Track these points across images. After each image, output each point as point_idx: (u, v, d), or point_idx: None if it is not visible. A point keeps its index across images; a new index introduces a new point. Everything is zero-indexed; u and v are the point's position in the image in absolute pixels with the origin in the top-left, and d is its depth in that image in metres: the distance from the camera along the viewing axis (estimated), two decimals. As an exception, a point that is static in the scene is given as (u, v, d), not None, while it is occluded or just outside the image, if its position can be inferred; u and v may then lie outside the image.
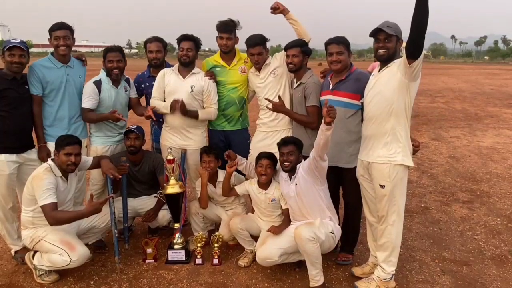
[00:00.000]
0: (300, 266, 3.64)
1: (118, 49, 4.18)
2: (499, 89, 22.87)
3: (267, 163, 3.71)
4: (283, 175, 3.64)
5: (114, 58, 4.05)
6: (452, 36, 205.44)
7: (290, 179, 3.54)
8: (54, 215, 3.26)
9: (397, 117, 3.16)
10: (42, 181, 3.31)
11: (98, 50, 74.66)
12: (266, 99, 3.89)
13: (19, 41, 3.66)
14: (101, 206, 3.33)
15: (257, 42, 3.99)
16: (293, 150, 3.49)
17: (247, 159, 4.12)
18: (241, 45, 4.31)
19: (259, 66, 4.06)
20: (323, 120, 3.07)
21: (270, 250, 3.46)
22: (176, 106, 3.97)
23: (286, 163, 3.49)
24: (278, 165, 3.75)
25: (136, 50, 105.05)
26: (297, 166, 3.51)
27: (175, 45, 4.44)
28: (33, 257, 3.53)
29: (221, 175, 4.06)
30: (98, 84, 4.04)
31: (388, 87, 3.15)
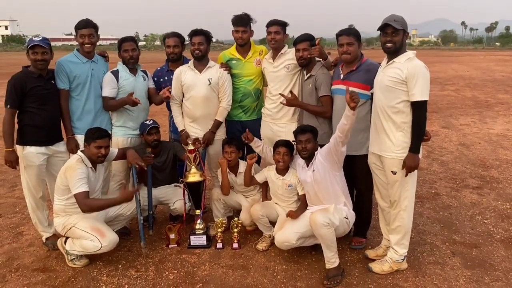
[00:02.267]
0: (316, 249, 3.83)
1: (132, 39, 4.39)
2: (510, 75, 22.68)
3: (284, 151, 3.88)
4: (300, 162, 3.81)
5: (129, 47, 4.24)
6: (463, 23, 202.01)
7: (308, 166, 3.71)
8: (88, 203, 3.49)
9: (405, 114, 3.29)
10: (75, 171, 3.52)
11: (106, 43, 74.82)
12: (280, 94, 4.04)
13: (40, 38, 3.81)
14: (133, 195, 3.59)
15: (276, 22, 4.18)
16: (310, 138, 3.65)
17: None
18: (256, 37, 4.48)
19: (274, 45, 4.17)
20: (347, 106, 3.22)
21: (288, 234, 3.65)
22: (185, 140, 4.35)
23: (304, 151, 3.66)
24: (295, 151, 3.94)
25: (144, 43, 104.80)
26: (315, 153, 3.68)
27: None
28: (65, 242, 3.75)
29: (242, 165, 4.25)
30: (115, 73, 4.22)
31: (394, 86, 3.28)
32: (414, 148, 3.27)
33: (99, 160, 3.68)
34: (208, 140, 4.35)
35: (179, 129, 4.43)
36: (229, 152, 4.15)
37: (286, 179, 3.97)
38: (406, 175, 3.34)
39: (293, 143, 3.84)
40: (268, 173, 4.09)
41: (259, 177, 4.17)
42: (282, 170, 3.97)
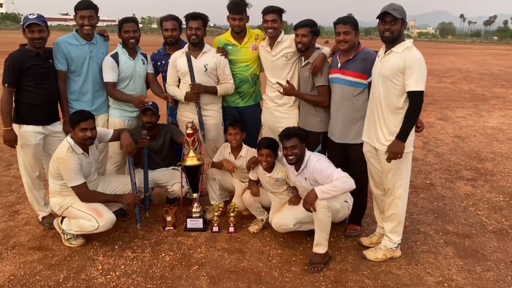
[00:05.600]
0: (311, 235, 3.85)
1: (133, 20, 4.34)
2: (507, 70, 22.74)
3: (267, 153, 3.79)
4: (289, 166, 3.72)
5: (130, 28, 4.18)
6: (461, 15, 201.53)
7: (297, 171, 3.64)
8: (87, 195, 3.61)
9: (401, 109, 3.30)
10: (68, 164, 3.51)
11: (103, 25, 73.75)
12: (277, 82, 4.03)
13: (36, 16, 3.74)
14: (136, 200, 3.80)
15: (273, 9, 4.09)
16: (296, 143, 3.51)
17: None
18: (251, 22, 4.40)
19: (271, 33, 4.10)
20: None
21: (286, 218, 3.69)
22: (193, 98, 4.18)
23: (291, 157, 3.53)
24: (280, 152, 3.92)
25: (141, 25, 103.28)
26: (306, 159, 3.58)
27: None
28: (61, 222, 3.76)
29: (244, 149, 4.22)
30: (115, 56, 4.16)
31: (393, 77, 3.27)
32: (401, 136, 3.29)
33: (88, 142, 3.62)
34: (197, 88, 4.14)
35: (183, 93, 4.26)
36: (233, 134, 4.14)
37: (272, 176, 3.94)
38: (389, 160, 3.34)
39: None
40: (256, 170, 4.08)
41: (252, 176, 4.13)
42: (268, 168, 3.92)
